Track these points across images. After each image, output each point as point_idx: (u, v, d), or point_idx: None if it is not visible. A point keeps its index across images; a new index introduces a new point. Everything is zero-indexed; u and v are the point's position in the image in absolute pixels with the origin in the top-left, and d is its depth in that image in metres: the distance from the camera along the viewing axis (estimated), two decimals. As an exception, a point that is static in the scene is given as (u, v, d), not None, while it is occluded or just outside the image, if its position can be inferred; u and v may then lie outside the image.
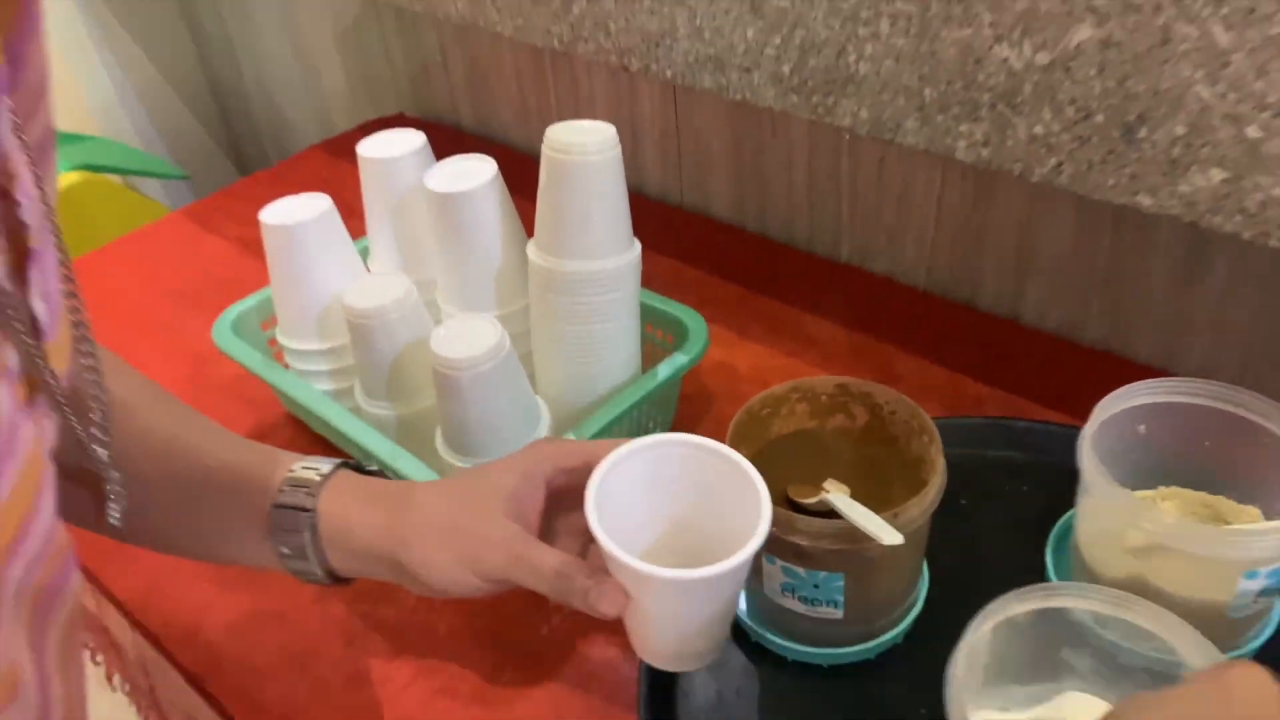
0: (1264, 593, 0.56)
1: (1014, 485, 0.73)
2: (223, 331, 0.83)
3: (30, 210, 0.31)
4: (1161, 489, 0.65)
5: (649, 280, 0.76)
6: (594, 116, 1.11)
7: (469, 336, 0.66)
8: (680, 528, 0.55)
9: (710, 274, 1.00)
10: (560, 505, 0.56)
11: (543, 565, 0.51)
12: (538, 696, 0.64)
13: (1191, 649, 0.50)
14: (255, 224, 0.76)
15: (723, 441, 0.55)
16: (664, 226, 1.07)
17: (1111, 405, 0.62)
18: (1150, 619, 0.52)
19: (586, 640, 0.67)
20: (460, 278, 0.76)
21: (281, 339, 0.81)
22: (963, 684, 0.49)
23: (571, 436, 0.69)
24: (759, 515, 0.51)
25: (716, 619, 0.54)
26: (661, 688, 0.61)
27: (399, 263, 0.84)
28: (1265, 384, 0.64)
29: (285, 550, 0.55)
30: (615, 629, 0.56)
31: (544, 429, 0.71)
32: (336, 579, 0.57)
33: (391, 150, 0.79)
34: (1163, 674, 0.52)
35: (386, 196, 0.81)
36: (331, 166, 1.26)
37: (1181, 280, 0.78)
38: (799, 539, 0.57)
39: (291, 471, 0.56)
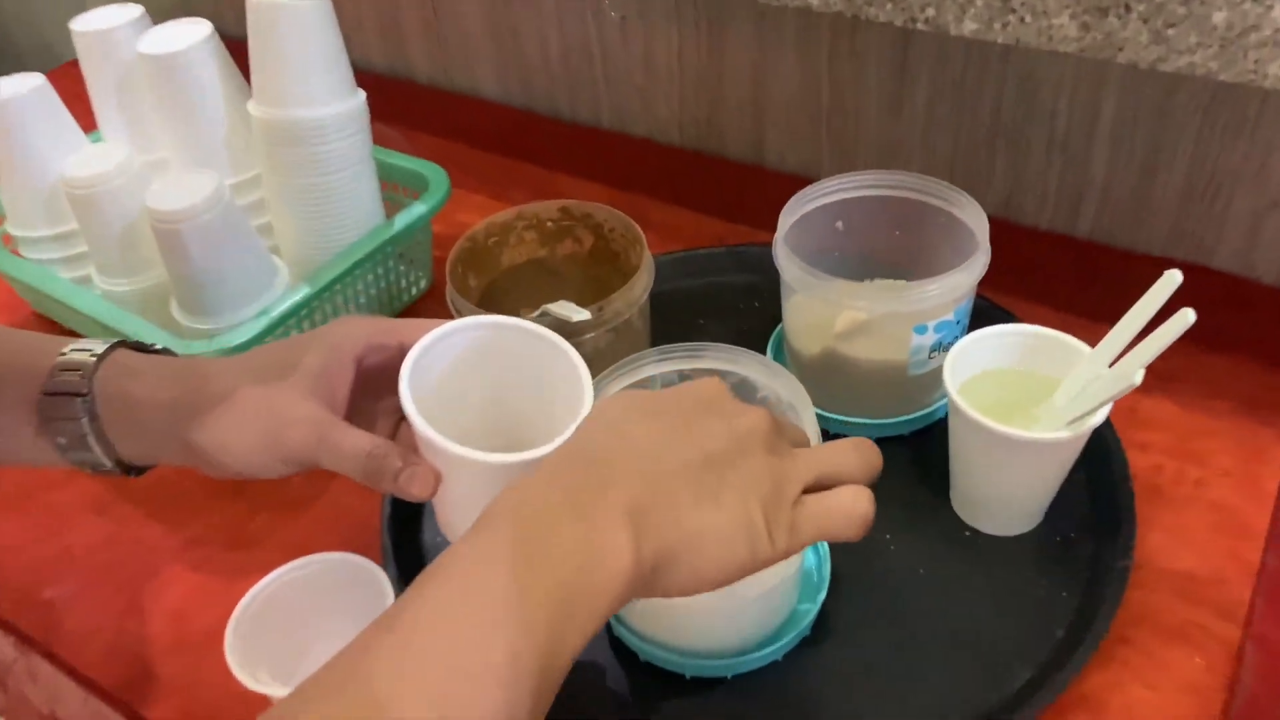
0: (935, 347, 0.62)
1: (748, 302, 0.78)
2: (-51, 228, 0.80)
3: None
4: (865, 282, 0.70)
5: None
6: (355, 13, 1.10)
7: (186, 189, 0.66)
8: (499, 410, 0.54)
9: (474, 148, 1.01)
10: (370, 386, 0.52)
11: (351, 447, 0.48)
12: (289, 534, 0.65)
13: (760, 370, 0.55)
14: None
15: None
16: (432, 109, 1.08)
17: (801, 204, 0.66)
18: (724, 359, 0.55)
19: (335, 482, 0.68)
20: (187, 146, 0.75)
21: (12, 229, 0.78)
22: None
23: (306, 288, 0.70)
24: (580, 400, 0.50)
25: None
26: (401, 519, 0.63)
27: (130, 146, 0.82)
28: (970, 191, 0.69)
29: (62, 440, 0.50)
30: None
31: (281, 284, 0.72)
32: (129, 468, 0.52)
33: (107, 22, 0.77)
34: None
35: (108, 74, 0.78)
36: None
37: (890, 109, 0.83)
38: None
39: (62, 355, 0.50)
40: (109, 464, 0.51)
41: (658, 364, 0.55)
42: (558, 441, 0.48)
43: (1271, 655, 0.56)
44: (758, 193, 0.90)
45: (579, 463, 0.41)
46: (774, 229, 0.65)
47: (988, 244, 0.61)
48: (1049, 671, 0.53)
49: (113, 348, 0.51)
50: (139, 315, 0.71)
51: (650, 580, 0.39)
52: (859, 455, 0.44)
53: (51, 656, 0.60)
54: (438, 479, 0.48)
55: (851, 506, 0.42)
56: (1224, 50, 0.53)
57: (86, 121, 0.79)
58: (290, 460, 0.49)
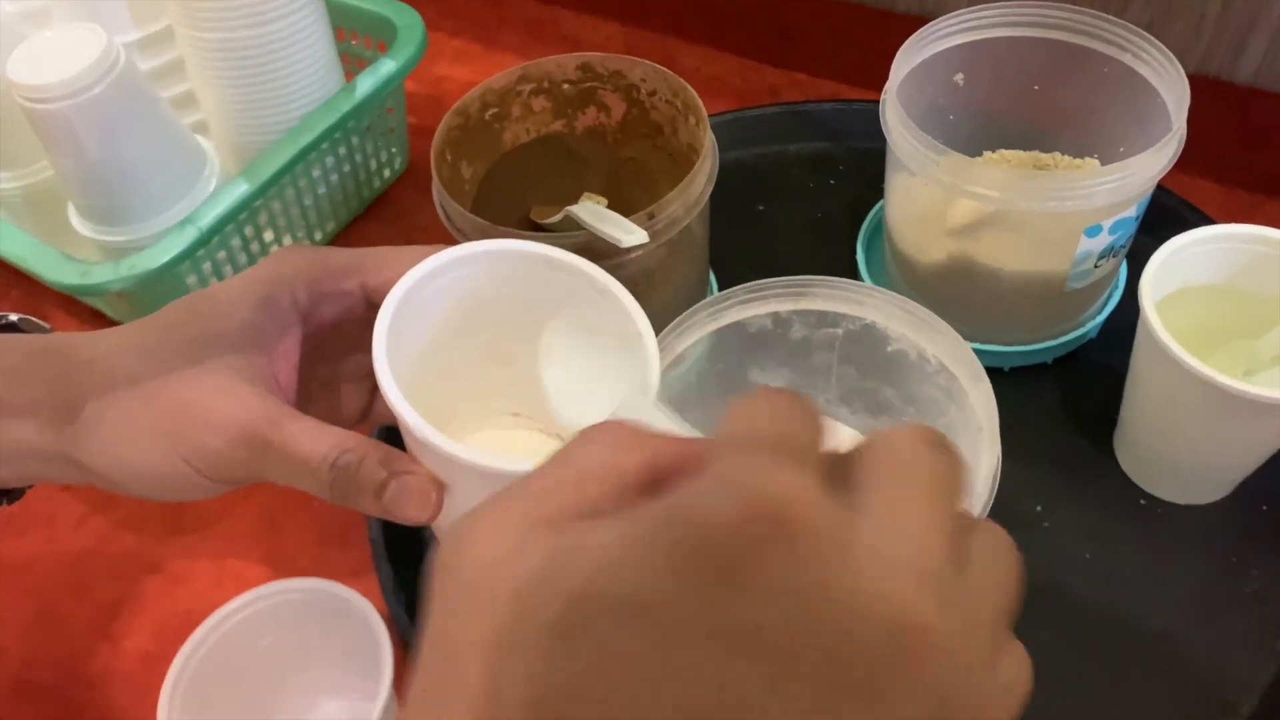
0: (1106, 253, 0.45)
1: (820, 180, 0.61)
2: None
3: None
4: (987, 154, 0.53)
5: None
6: None
7: (63, 53, 0.47)
8: (512, 374, 0.39)
9: (450, -21, 0.81)
10: (326, 348, 0.37)
11: (307, 454, 0.32)
12: (243, 513, 0.51)
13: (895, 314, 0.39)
14: None
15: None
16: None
17: (917, 50, 0.49)
18: (839, 298, 0.39)
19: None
20: (70, -10, 0.55)
21: None
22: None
23: (244, 185, 0.52)
24: (636, 357, 0.35)
25: None
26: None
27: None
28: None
29: None
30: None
31: (211, 176, 0.54)
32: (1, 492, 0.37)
33: None
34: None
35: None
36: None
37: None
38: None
39: None
40: None
41: (746, 305, 0.38)
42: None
43: None
44: (819, 28, 0.71)
45: None
46: (844, 78, 0.49)
47: (1185, 113, 0.44)
48: (1274, 699, 0.39)
49: None
50: (28, 222, 0.54)
51: None
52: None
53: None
54: (439, 491, 0.33)
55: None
56: None
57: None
58: (220, 478, 0.33)
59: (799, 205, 0.60)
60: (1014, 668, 0.20)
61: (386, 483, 0.32)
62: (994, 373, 0.42)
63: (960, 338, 0.36)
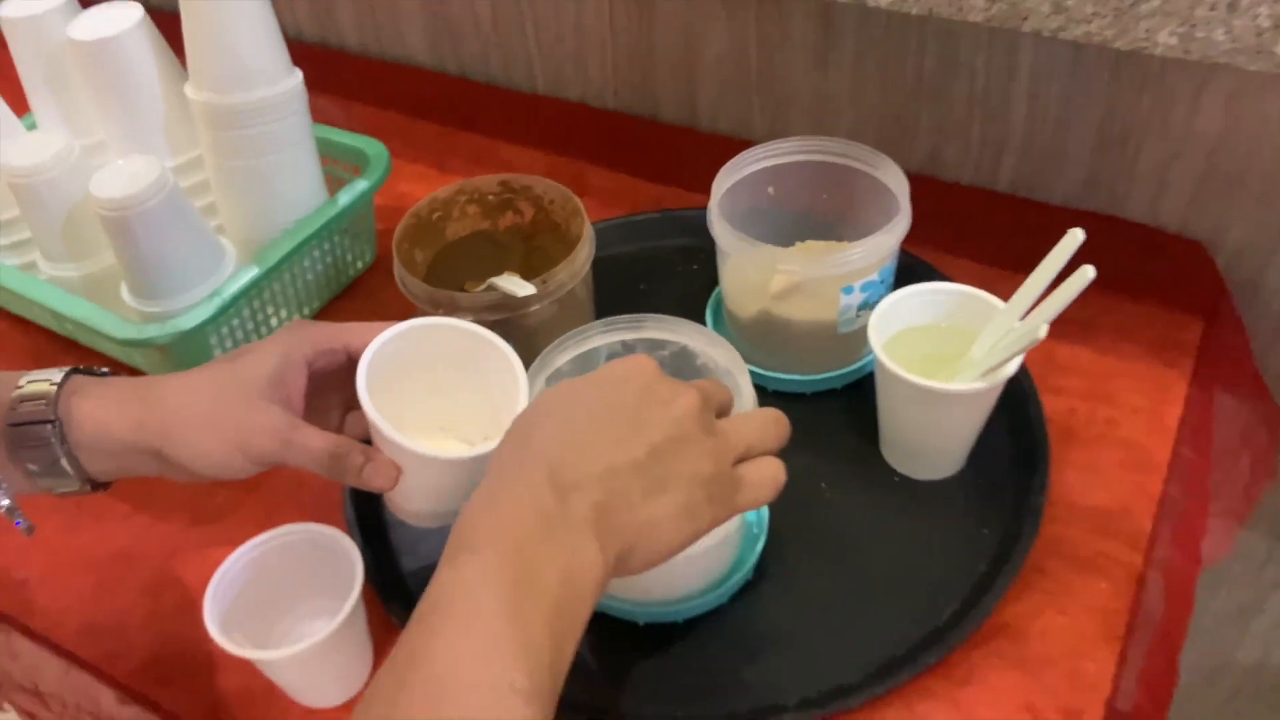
0: (862, 306, 0.65)
1: (686, 267, 0.81)
2: (-114, 219, 0.79)
3: None
4: (798, 244, 0.73)
5: (350, 129, 0.78)
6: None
7: (129, 175, 0.67)
8: (442, 402, 0.58)
9: (411, 117, 1.02)
10: (319, 386, 0.57)
11: (315, 447, 0.53)
12: (250, 508, 0.68)
13: (698, 339, 0.58)
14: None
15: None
16: (364, 79, 1.08)
17: (734, 172, 0.69)
18: (665, 329, 0.59)
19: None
20: (125, 131, 0.75)
21: (-49, 218, 0.78)
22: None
23: (255, 269, 0.71)
24: (517, 392, 0.55)
25: (472, 487, 0.56)
26: (361, 494, 0.65)
27: (66, 131, 0.82)
28: (895, 146, 0.72)
29: (33, 468, 0.52)
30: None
31: (229, 264, 0.73)
32: (96, 484, 0.55)
33: (35, 7, 0.76)
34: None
35: (38, 59, 0.78)
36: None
37: (816, 66, 0.86)
38: (463, 315, 0.61)
39: (19, 388, 0.53)
40: (78, 484, 0.54)
41: (603, 335, 0.58)
42: (493, 444, 0.51)
43: (1170, 577, 0.61)
44: (692, 154, 0.92)
45: (538, 472, 0.45)
46: (709, 190, 0.68)
47: (909, 206, 0.65)
48: (973, 603, 0.58)
49: (69, 375, 0.54)
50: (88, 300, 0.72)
51: (615, 570, 0.45)
52: (776, 428, 0.50)
53: (30, 633, 0.62)
54: (398, 471, 0.53)
55: (774, 476, 0.49)
56: (1118, 19, 0.57)
57: (17, 104, 0.79)
58: (259, 462, 0.53)
59: (670, 284, 0.79)
60: (756, 468, 0.48)
61: (363, 465, 0.53)
62: (798, 396, 0.61)
63: (735, 351, 0.56)
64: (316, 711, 0.57)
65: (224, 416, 0.53)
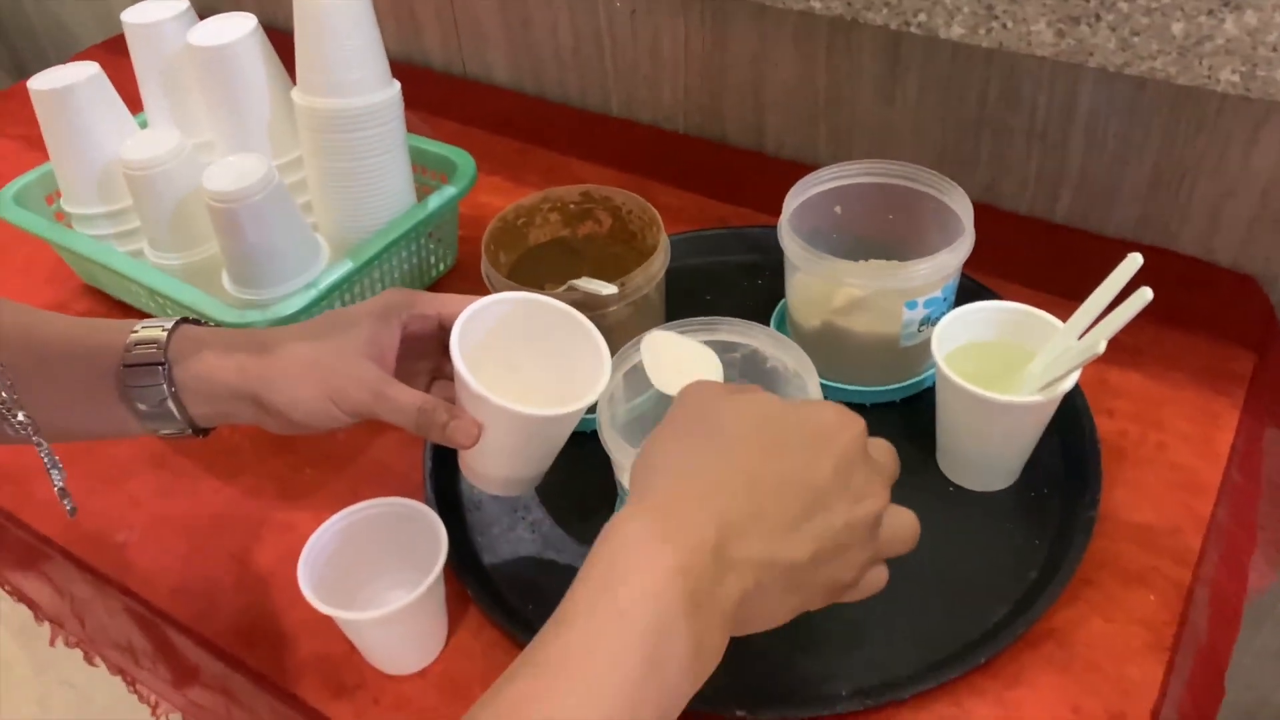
0: (924, 321, 0.68)
1: (750, 282, 0.84)
2: (5, 205, 0.85)
3: None
4: (861, 262, 0.77)
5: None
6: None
7: (239, 171, 0.71)
8: (521, 376, 0.60)
9: (491, 133, 1.06)
10: (410, 350, 0.59)
11: (406, 402, 0.55)
12: (335, 487, 0.72)
13: (769, 343, 0.61)
14: (37, 123, 0.78)
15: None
16: (448, 96, 1.13)
17: (803, 190, 0.73)
18: (738, 332, 0.61)
19: (376, 438, 0.75)
20: (232, 131, 0.80)
21: (67, 207, 0.84)
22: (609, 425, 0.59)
23: (349, 263, 0.76)
24: (600, 371, 0.57)
25: (547, 455, 0.60)
26: (440, 473, 0.70)
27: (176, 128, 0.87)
28: (954, 177, 0.75)
29: (143, 407, 0.56)
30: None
31: (324, 259, 0.78)
32: (196, 429, 0.58)
33: (156, 15, 0.82)
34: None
35: (156, 63, 0.84)
36: (111, 65, 1.26)
37: (881, 96, 0.90)
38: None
39: (135, 332, 0.56)
40: (182, 426, 0.57)
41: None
42: (587, 400, 0.55)
43: (1217, 596, 0.63)
44: (758, 177, 0.96)
45: (709, 530, 0.42)
46: (774, 212, 0.72)
47: (972, 228, 0.68)
48: (1022, 609, 0.60)
49: (179, 323, 0.58)
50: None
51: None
52: (914, 540, 0.49)
53: (127, 593, 0.66)
54: (480, 430, 0.56)
55: (878, 582, 0.48)
56: (1181, 57, 0.60)
57: (132, 105, 0.84)
58: (352, 413, 0.56)
59: (735, 296, 0.83)
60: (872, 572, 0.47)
61: (449, 422, 0.55)
62: (857, 407, 0.64)
63: (805, 355, 0.59)
64: (391, 678, 0.61)
65: (321, 366, 0.55)
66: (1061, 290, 0.74)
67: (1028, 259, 0.84)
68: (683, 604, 0.40)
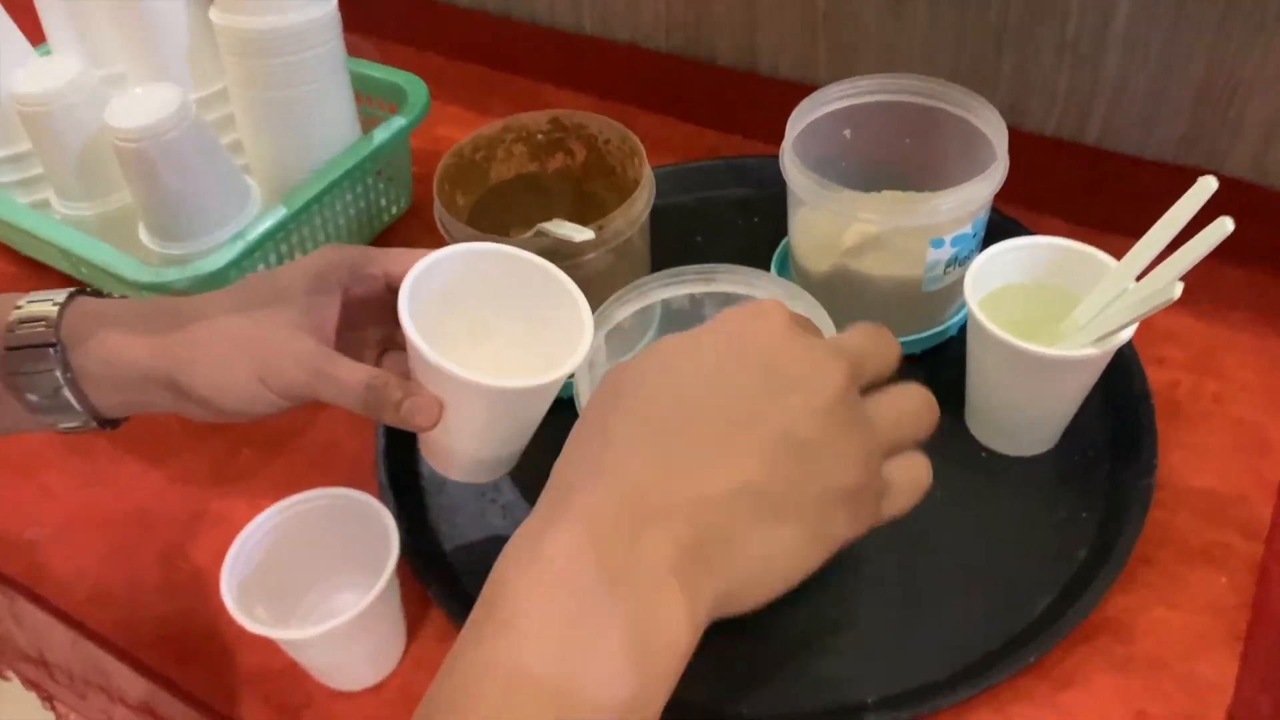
0: (951, 262, 0.59)
1: (746, 219, 0.75)
2: (-109, 151, 0.74)
3: None
4: (875, 194, 0.67)
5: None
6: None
7: (149, 104, 0.61)
8: (490, 342, 0.50)
9: (450, 58, 0.96)
10: (354, 318, 0.49)
11: (351, 380, 0.45)
12: (276, 471, 0.63)
13: (777, 292, 0.52)
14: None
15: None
16: (401, 16, 1.02)
17: (808, 112, 0.63)
18: (740, 282, 0.52)
19: (322, 415, 0.65)
20: (145, 59, 0.70)
21: (-42, 151, 0.73)
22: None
23: (284, 209, 0.66)
24: (580, 332, 0.47)
25: (522, 433, 0.50)
26: (397, 454, 0.61)
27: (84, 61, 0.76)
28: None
29: (33, 398, 0.46)
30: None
31: (255, 205, 0.68)
32: (104, 420, 0.49)
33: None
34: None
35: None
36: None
37: (891, 8, 0.79)
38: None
39: (18, 308, 0.47)
40: (84, 419, 0.48)
41: (667, 288, 0.52)
42: (566, 368, 0.45)
43: (1293, 572, 0.55)
44: (751, 101, 0.87)
45: (607, 499, 0.35)
46: (769, 139, 0.62)
47: (1006, 152, 0.58)
48: (1072, 596, 0.52)
49: (73, 295, 0.48)
50: (103, 241, 0.67)
51: (715, 615, 0.36)
52: (929, 414, 0.42)
53: (37, 599, 0.57)
54: (441, 408, 0.46)
55: (919, 480, 0.41)
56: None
57: (33, 34, 0.73)
58: (286, 395, 0.46)
59: (729, 237, 0.73)
60: (902, 469, 0.39)
61: (403, 400, 0.45)
62: None
63: (820, 306, 0.50)
64: (342, 695, 0.52)
65: (248, 343, 0.46)
66: (1097, 223, 0.65)
67: (1059, 187, 0.74)
68: (591, 581, 0.33)
